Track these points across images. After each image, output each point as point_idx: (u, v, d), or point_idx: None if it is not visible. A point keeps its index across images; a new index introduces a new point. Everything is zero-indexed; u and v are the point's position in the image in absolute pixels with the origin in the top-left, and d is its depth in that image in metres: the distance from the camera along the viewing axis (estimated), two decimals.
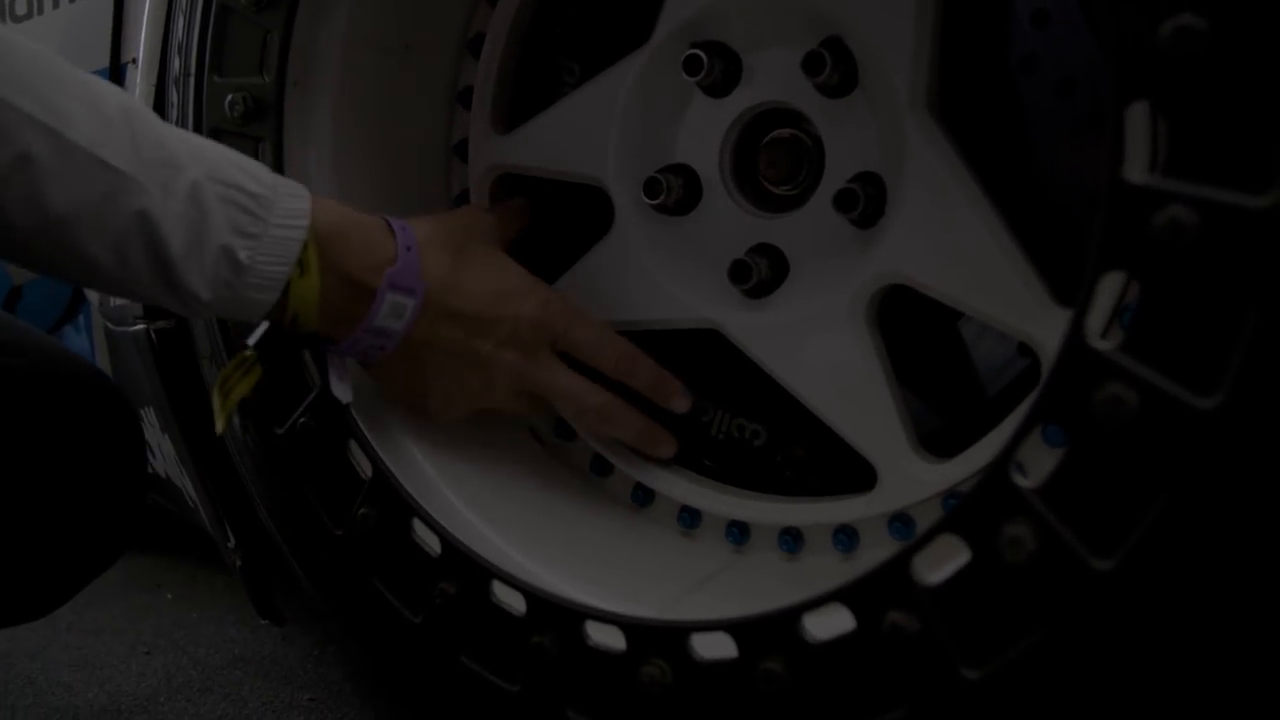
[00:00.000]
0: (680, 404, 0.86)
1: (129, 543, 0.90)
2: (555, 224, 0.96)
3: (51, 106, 0.66)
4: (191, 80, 0.88)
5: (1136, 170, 0.51)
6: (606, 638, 0.69)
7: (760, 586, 0.78)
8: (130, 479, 0.87)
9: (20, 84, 0.65)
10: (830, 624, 0.61)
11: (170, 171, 0.69)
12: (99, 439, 0.84)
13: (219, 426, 0.80)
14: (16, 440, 0.79)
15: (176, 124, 0.89)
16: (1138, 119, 0.51)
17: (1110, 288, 0.56)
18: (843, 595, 0.60)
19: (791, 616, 0.62)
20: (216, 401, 0.80)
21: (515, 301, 0.82)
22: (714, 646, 0.65)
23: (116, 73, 1.10)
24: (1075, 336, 0.53)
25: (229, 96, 0.86)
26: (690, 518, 0.86)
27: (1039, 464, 0.56)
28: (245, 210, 0.71)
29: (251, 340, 0.80)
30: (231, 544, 0.97)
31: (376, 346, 0.79)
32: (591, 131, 0.86)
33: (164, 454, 1.05)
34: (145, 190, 0.68)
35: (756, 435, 0.89)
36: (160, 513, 1.19)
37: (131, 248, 0.69)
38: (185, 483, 1.05)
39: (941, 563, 0.57)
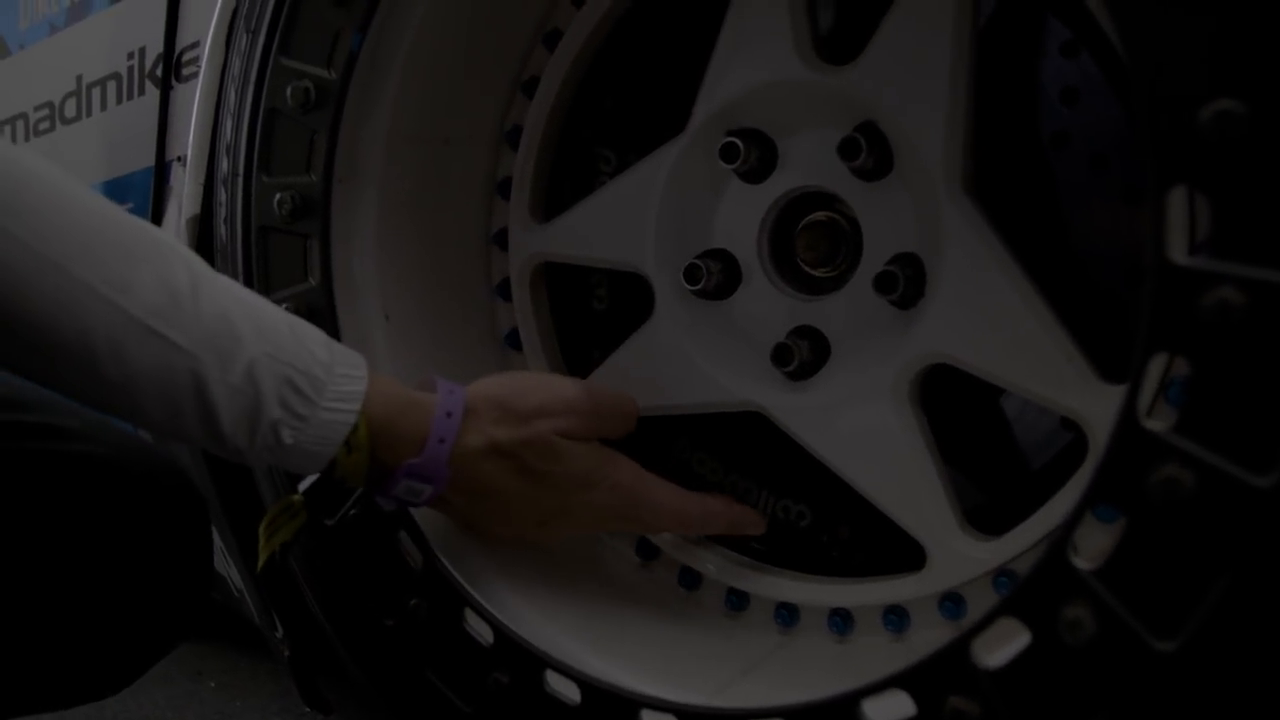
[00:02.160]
0: (759, 526, 0.86)
1: (190, 632, 0.90)
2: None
3: (118, 279, 0.66)
4: (240, 180, 0.90)
5: (1177, 250, 0.52)
6: None
7: (812, 670, 0.77)
8: (197, 568, 0.87)
9: (89, 256, 0.66)
10: (890, 709, 0.60)
11: (230, 344, 0.69)
12: (170, 529, 0.85)
13: (259, 565, 0.81)
14: (92, 525, 0.80)
15: (225, 222, 0.92)
16: (1177, 200, 0.52)
17: (1155, 363, 0.57)
18: (902, 680, 0.60)
19: (850, 702, 0.61)
20: (261, 539, 0.81)
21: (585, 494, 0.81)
22: None
23: (161, 170, 1.13)
24: (1128, 418, 0.53)
25: (277, 195, 0.88)
26: (738, 600, 0.86)
27: (1090, 539, 0.56)
28: (298, 390, 0.71)
29: (301, 487, 0.82)
30: (279, 634, 0.97)
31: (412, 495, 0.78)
32: (630, 219, 0.87)
33: None
34: (202, 361, 0.68)
35: (802, 516, 0.89)
36: None
37: (184, 406, 0.69)
38: (230, 572, 1.06)
39: (1001, 645, 0.57)
